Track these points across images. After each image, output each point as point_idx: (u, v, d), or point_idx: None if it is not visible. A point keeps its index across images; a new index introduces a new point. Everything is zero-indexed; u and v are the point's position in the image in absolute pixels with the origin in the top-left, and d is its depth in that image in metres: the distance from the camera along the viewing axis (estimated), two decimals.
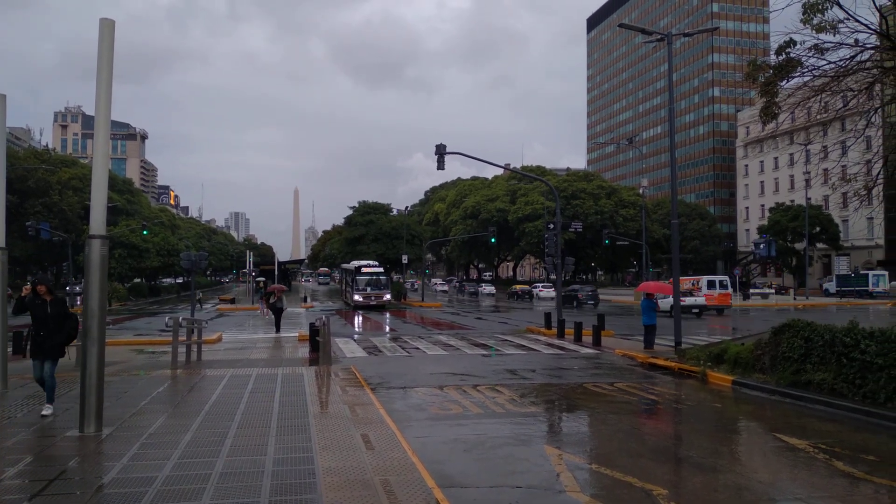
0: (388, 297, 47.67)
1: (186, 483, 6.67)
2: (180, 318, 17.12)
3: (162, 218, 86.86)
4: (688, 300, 32.16)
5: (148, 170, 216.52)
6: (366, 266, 48.44)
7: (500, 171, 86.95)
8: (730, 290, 43.10)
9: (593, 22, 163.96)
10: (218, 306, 50.34)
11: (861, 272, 63.74)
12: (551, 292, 55.60)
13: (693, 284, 41.35)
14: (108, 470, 7.18)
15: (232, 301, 52.79)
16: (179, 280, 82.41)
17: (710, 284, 41.05)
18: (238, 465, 7.29)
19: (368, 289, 46.40)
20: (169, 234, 72.53)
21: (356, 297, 46.16)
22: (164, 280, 79.32)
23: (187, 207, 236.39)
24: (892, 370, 10.53)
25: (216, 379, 13.63)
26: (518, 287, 67.92)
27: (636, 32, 20.18)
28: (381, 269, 48.89)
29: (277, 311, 27.08)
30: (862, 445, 8.78)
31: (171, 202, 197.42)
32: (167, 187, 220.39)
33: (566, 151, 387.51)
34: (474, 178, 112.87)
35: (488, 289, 75.39)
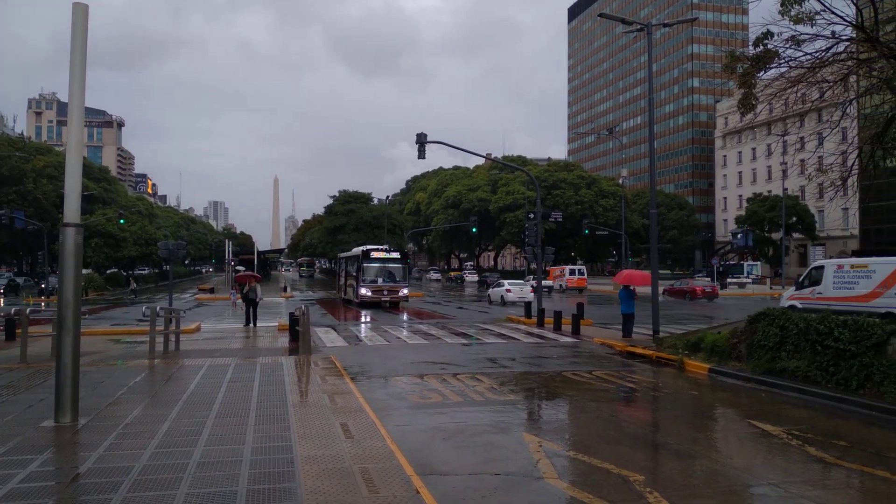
0: (405, 291, 36.58)
1: (163, 472, 6.63)
2: (158, 308, 16.96)
3: (139, 206, 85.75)
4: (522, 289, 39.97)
5: (125, 158, 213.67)
6: (376, 251, 37.11)
7: (484, 161, 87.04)
8: (585, 276, 59.54)
9: (574, 11, 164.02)
10: (196, 296, 49.92)
11: (738, 262, 73.58)
12: (475, 277, 74.82)
13: (560, 273, 59.50)
14: (84, 460, 7.11)
15: (211, 291, 52.36)
16: (157, 270, 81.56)
17: (571, 272, 58.80)
18: (216, 455, 7.25)
19: (380, 280, 35.77)
20: (146, 223, 71.65)
21: (363, 291, 35.24)
22: (142, 269, 78.48)
23: (165, 196, 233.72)
24: (864, 358, 10.73)
25: (194, 368, 13.54)
26: (453, 273, 78.87)
27: (616, 22, 20.22)
28: (397, 255, 37.49)
29: (251, 303, 24.59)
30: (834, 431, 8.95)
31: (149, 191, 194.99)
32: (145, 175, 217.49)
33: (551, 141, 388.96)
34: (456, 168, 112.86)
35: (470, 277, 77.43)
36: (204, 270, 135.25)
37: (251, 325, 24.25)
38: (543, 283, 53.96)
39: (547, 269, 58.88)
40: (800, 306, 21.55)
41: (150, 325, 15.86)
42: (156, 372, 13.40)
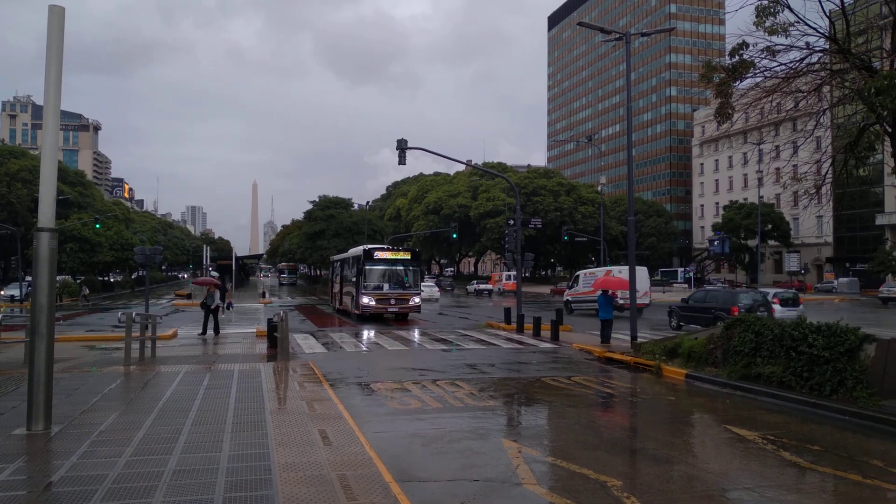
0: (416, 300, 30.50)
1: (138, 481, 6.55)
2: (134, 314, 16.76)
3: (115, 211, 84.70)
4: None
5: (101, 162, 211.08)
6: (381, 250, 30.84)
7: (465, 168, 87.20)
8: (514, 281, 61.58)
9: (554, 20, 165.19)
10: (174, 302, 49.38)
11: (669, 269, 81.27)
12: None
13: (499, 277, 68.44)
14: (56, 468, 7.00)
15: (188, 297, 51.82)
16: (134, 275, 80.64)
17: (507, 277, 64.95)
18: (192, 462, 7.18)
19: (386, 286, 29.89)
20: (122, 227, 70.84)
21: (364, 301, 29.32)
22: (118, 274, 77.54)
23: (142, 201, 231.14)
24: (837, 363, 10.89)
25: (171, 375, 13.39)
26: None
27: (596, 31, 20.39)
28: (407, 256, 31.31)
29: (208, 309, 22.86)
30: (808, 436, 9.07)
31: (126, 195, 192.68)
32: (121, 180, 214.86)
33: (533, 149, 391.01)
34: (436, 174, 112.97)
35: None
36: (181, 276, 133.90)
37: (208, 333, 22.63)
38: (483, 286, 68.76)
39: (490, 274, 73.47)
40: (570, 300, 36.54)
41: (126, 331, 15.67)
42: (131, 379, 13.23)
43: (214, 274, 56.62)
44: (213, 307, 22.86)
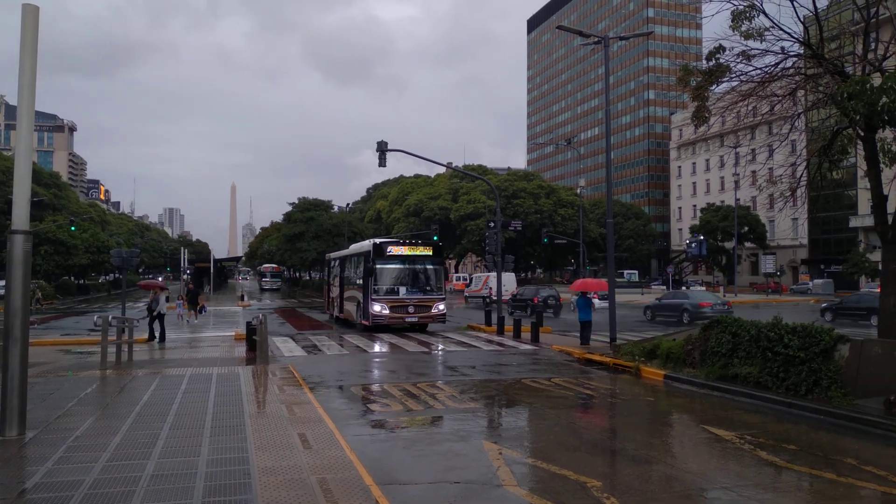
0: (441, 307, 24.99)
1: (115, 486, 6.47)
2: (110, 317, 16.56)
3: (91, 213, 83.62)
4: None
5: (77, 163, 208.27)
6: (394, 244, 25.55)
7: (445, 170, 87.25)
8: (466, 281, 67.66)
9: (533, 23, 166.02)
10: None
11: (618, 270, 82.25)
12: None
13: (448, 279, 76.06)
14: (31, 474, 6.89)
15: (166, 300, 51.22)
16: (110, 277, 79.68)
17: (457, 278, 72.93)
18: (170, 467, 7.11)
19: (403, 290, 24.48)
20: (99, 230, 69.97)
21: (376, 309, 23.94)
22: (96, 277, 76.51)
23: (118, 203, 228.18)
24: (812, 363, 11.05)
25: (148, 379, 13.25)
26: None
27: (574, 35, 20.52)
28: (427, 252, 25.53)
29: (154, 316, 21.54)
30: (784, 435, 9.19)
31: (102, 197, 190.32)
32: (97, 181, 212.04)
33: (515, 152, 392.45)
34: (417, 176, 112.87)
35: None
36: (159, 279, 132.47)
37: (155, 340, 21.47)
38: (476, 293, 69.59)
39: (469, 276, 75.85)
40: (468, 295, 50.84)
41: (102, 334, 15.47)
42: (108, 383, 13.06)
43: (185, 277, 55.56)
44: (156, 313, 21.52)
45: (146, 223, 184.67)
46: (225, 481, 6.63)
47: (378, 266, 24.12)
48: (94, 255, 59.72)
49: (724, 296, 46.22)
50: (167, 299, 22.05)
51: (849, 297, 33.70)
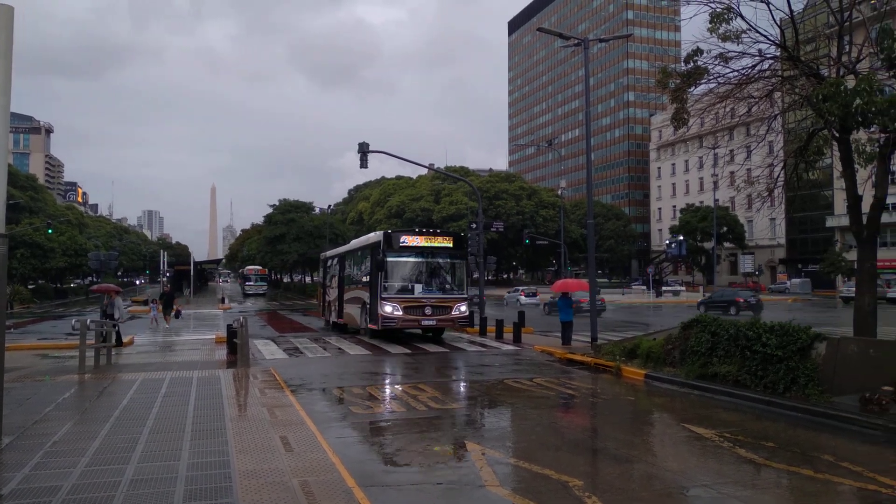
0: (463, 308, 21.56)
1: (94, 491, 6.40)
2: (88, 321, 16.36)
3: (69, 216, 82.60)
4: None
5: (54, 165, 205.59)
6: (409, 234, 22.03)
7: (427, 171, 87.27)
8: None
9: (514, 25, 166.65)
10: (129, 308, 48.33)
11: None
12: None
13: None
14: (7, 481, 6.79)
15: (145, 303, 50.74)
16: (88, 281, 78.74)
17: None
18: (150, 472, 7.04)
19: (419, 288, 21.28)
20: (76, 233, 69.11)
21: (386, 310, 20.60)
22: (74, 280, 75.59)
23: (97, 205, 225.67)
24: (790, 362, 11.19)
25: (127, 383, 13.11)
26: None
27: (555, 37, 20.64)
28: (447, 244, 22.02)
29: (110, 319, 19.94)
30: (763, 433, 9.30)
31: (80, 199, 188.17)
32: (75, 184, 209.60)
33: (496, 153, 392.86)
34: (399, 178, 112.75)
35: None
36: (138, 282, 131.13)
37: (122, 344, 20.37)
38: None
39: None
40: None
41: (80, 338, 15.29)
42: (86, 387, 12.91)
43: (162, 279, 54.58)
44: (111, 315, 20.31)
45: (125, 226, 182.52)
46: (205, 485, 6.58)
47: (390, 259, 20.72)
48: (72, 259, 59.02)
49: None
50: (111, 304, 20.51)
51: (715, 292, 42.81)
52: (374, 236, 22.69)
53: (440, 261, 21.79)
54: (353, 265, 25.58)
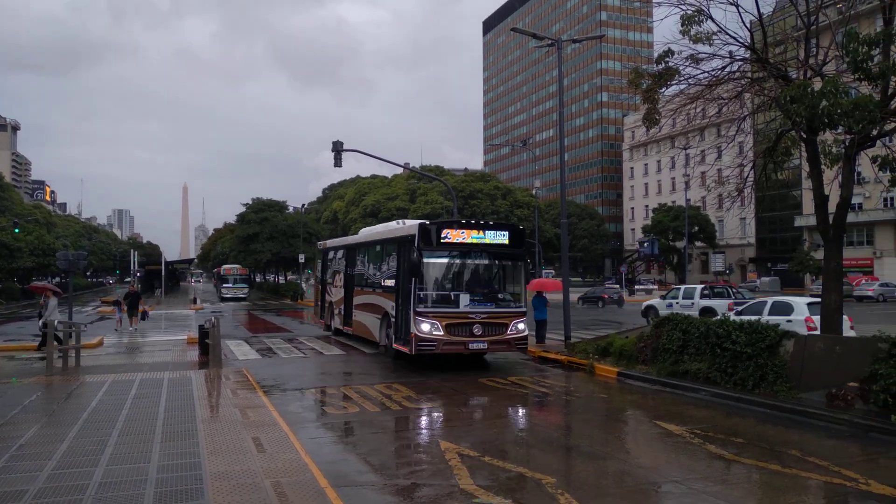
0: (521, 326, 15.85)
1: (62, 495, 6.29)
2: (56, 322, 16.06)
3: (36, 215, 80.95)
4: None
5: (21, 163, 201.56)
6: (452, 226, 16.11)
7: (402, 170, 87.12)
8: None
9: (489, 25, 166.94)
10: (99, 309, 47.55)
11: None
12: None
13: None
14: None
15: (115, 303, 49.94)
16: (56, 281, 77.30)
17: None
18: (119, 474, 6.94)
19: (465, 300, 15.72)
20: (44, 232, 67.73)
21: (423, 328, 15.06)
22: (38, 279, 74.08)
23: (65, 204, 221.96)
24: (759, 359, 11.39)
25: (96, 385, 12.89)
26: None
27: (529, 37, 20.72)
28: (503, 240, 16.25)
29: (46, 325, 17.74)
30: (733, 429, 9.44)
31: (48, 198, 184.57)
32: (43, 182, 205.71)
33: (472, 153, 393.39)
34: (374, 177, 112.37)
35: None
36: (107, 282, 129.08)
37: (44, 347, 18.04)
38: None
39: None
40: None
41: (48, 340, 15.00)
42: (54, 389, 12.68)
43: (128, 280, 53.25)
44: (43, 319, 18.98)
45: (94, 225, 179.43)
46: (176, 487, 6.51)
47: (428, 260, 15.56)
48: (40, 258, 57.86)
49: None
50: (48, 305, 19.15)
51: (590, 290, 50.41)
52: (405, 228, 17.76)
53: (493, 262, 16.64)
54: (370, 262, 20.32)
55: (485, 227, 16.30)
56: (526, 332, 16.05)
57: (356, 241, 22.61)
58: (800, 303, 18.58)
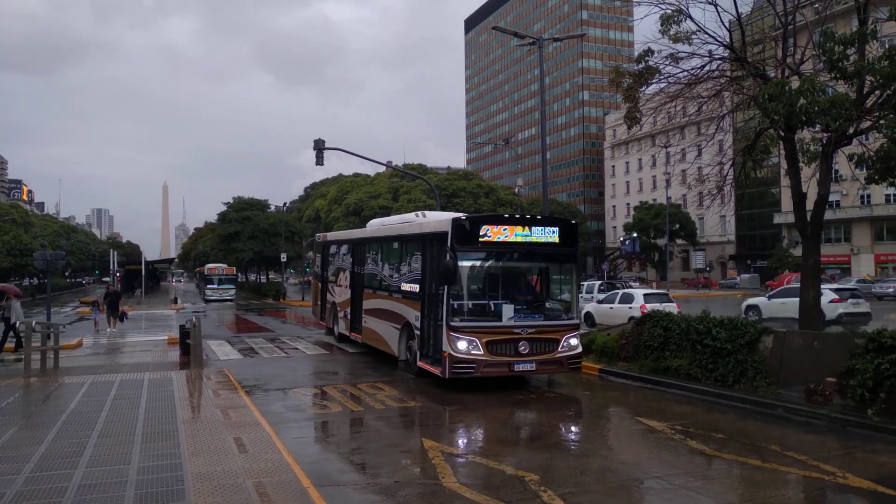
0: (573, 342, 12.99)
1: (40, 497, 6.21)
2: (34, 323, 15.86)
3: (13, 214, 79.77)
4: None
5: None
6: (496, 222, 12.97)
7: (385, 169, 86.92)
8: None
9: (471, 24, 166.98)
10: (78, 309, 46.97)
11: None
12: None
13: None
14: None
15: (94, 304, 49.36)
16: (34, 281, 76.30)
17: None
18: (98, 476, 6.86)
19: (507, 312, 12.58)
20: (21, 232, 66.83)
21: (461, 346, 12.16)
22: (15, 281, 73.05)
23: (43, 203, 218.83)
24: (738, 355, 11.50)
25: (75, 386, 12.74)
26: None
27: (511, 36, 20.77)
28: (552, 239, 13.07)
29: (6, 322, 18.95)
30: (713, 425, 9.53)
31: (25, 197, 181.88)
32: (20, 181, 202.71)
33: (455, 151, 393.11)
34: (356, 175, 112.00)
35: None
36: (86, 282, 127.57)
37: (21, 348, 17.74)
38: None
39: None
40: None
41: (26, 340, 14.81)
42: (32, 391, 12.51)
43: (106, 279, 52.57)
44: (12, 322, 18.94)
45: (73, 224, 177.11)
46: (157, 489, 6.45)
47: (465, 263, 12.77)
48: (17, 258, 57.14)
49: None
50: (8, 307, 19.04)
51: None
52: (433, 224, 14.38)
53: (541, 265, 13.98)
54: (385, 261, 17.00)
55: (532, 223, 13.31)
56: (580, 349, 13.35)
57: (366, 236, 19.43)
58: (638, 294, 24.78)
